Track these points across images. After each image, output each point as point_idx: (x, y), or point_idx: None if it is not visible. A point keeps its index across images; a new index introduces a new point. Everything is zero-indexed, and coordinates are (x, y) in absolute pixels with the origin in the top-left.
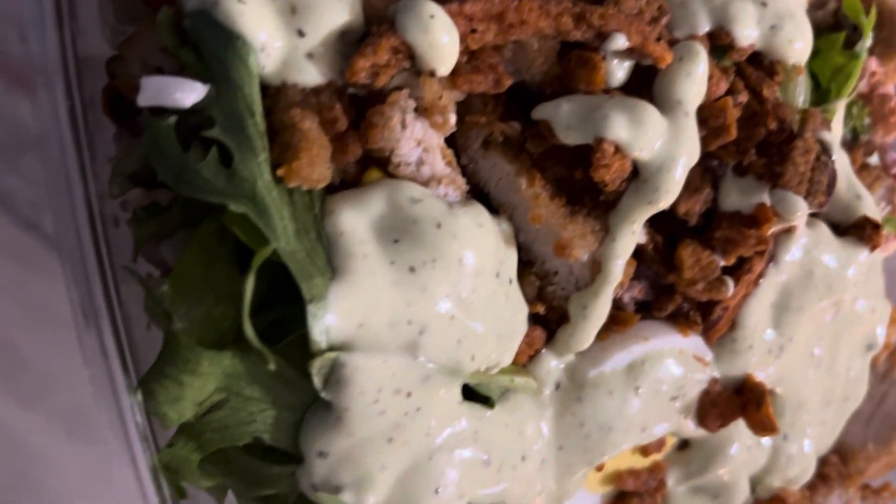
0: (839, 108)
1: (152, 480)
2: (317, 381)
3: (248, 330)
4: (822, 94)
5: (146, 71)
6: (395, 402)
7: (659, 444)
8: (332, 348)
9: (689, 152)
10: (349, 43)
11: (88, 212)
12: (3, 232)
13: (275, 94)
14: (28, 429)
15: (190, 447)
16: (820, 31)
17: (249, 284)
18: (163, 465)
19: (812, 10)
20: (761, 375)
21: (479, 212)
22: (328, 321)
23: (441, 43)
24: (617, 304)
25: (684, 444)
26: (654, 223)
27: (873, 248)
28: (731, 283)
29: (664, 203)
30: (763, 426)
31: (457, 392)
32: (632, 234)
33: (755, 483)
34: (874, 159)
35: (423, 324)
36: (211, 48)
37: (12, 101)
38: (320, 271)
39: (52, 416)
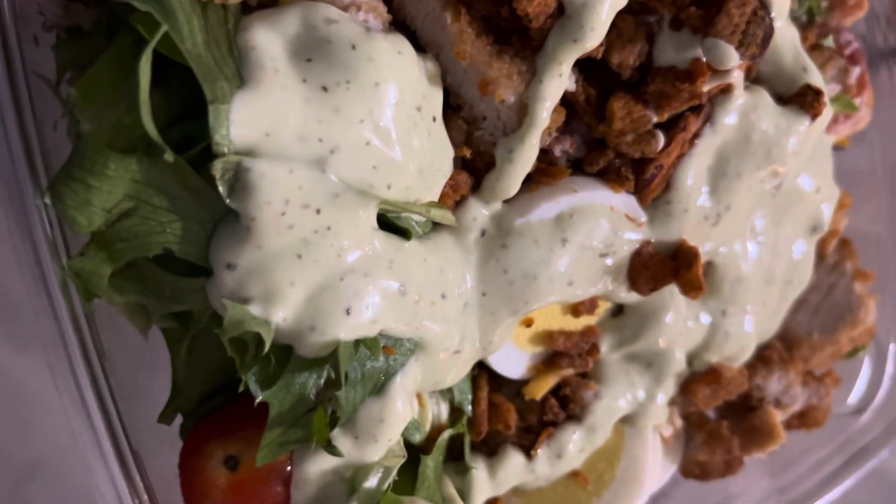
0: None
1: (62, 292)
2: (221, 186)
3: (146, 118)
4: None
5: None
6: (304, 217)
7: (591, 306)
8: (236, 153)
9: None
10: None
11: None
12: None
13: None
14: (23, 372)
15: (101, 256)
16: None
17: (145, 66)
18: (74, 273)
19: None
20: (699, 246)
21: (398, 40)
22: (232, 124)
23: None
24: (549, 160)
25: (619, 311)
26: (588, 76)
27: (814, 116)
28: (661, 136)
29: (590, 42)
30: (691, 284)
31: (371, 216)
32: (559, 77)
33: (692, 358)
34: (829, 42)
35: (335, 143)
36: None
37: None
38: (227, 79)
39: (43, 361)
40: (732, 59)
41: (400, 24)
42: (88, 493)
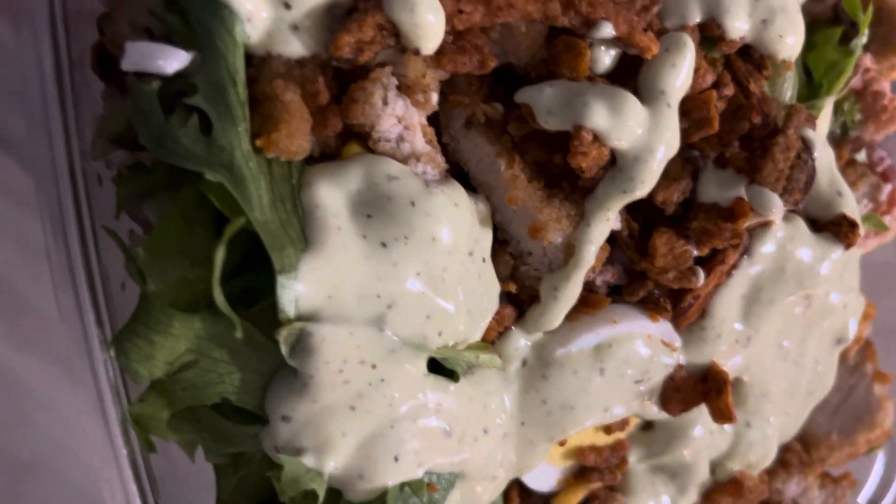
0: (827, 105)
1: (121, 433)
2: (284, 348)
3: (218, 297)
4: (813, 89)
5: (134, 32)
6: (360, 372)
7: (622, 423)
8: (300, 318)
9: (668, 144)
10: (335, 17)
11: (69, 169)
12: (3, 172)
13: (259, 63)
14: (24, 370)
15: (160, 403)
16: (818, 24)
17: (220, 254)
18: (133, 419)
19: (811, 2)
20: (728, 364)
21: (455, 191)
22: (297, 291)
23: (427, 22)
24: (589, 287)
25: (648, 425)
26: (631, 209)
27: (848, 246)
28: (702, 273)
29: (640, 193)
30: (722, 414)
31: (422, 365)
32: (606, 221)
33: (715, 465)
34: (862, 156)
35: (392, 298)
36: (197, 15)
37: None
38: (293, 242)
39: (49, 359)
40: (776, 206)
41: (453, 165)
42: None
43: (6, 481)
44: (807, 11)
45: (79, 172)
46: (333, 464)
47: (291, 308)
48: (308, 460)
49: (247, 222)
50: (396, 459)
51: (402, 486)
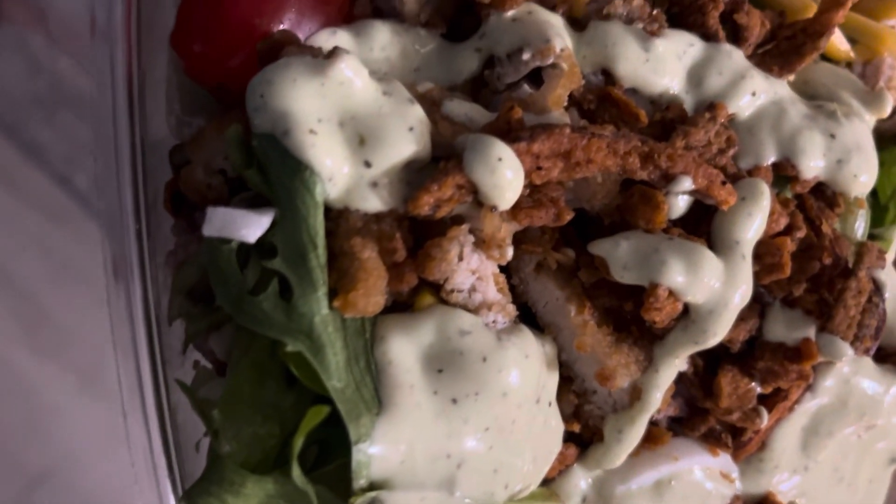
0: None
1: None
2: None
3: (296, 475)
4: (879, 211)
5: (209, 174)
6: None
7: None
8: (372, 486)
9: (742, 295)
10: (413, 170)
11: (132, 164)
12: (34, 185)
13: (336, 217)
14: (41, 380)
15: None
16: (885, 142)
17: (298, 442)
18: None
19: (880, 120)
20: (783, 486)
21: (525, 341)
22: (371, 458)
23: (506, 181)
24: (650, 422)
25: None
26: None
27: None
28: (766, 414)
29: (711, 343)
30: None
31: None
32: (674, 367)
33: None
34: None
35: (462, 457)
36: (278, 173)
37: (53, 55)
38: (367, 406)
39: (66, 370)
40: (847, 354)
41: (521, 303)
42: None
43: (18, 490)
44: (874, 129)
45: (153, 315)
46: None
47: (364, 477)
48: None
49: (325, 390)
50: None
51: None
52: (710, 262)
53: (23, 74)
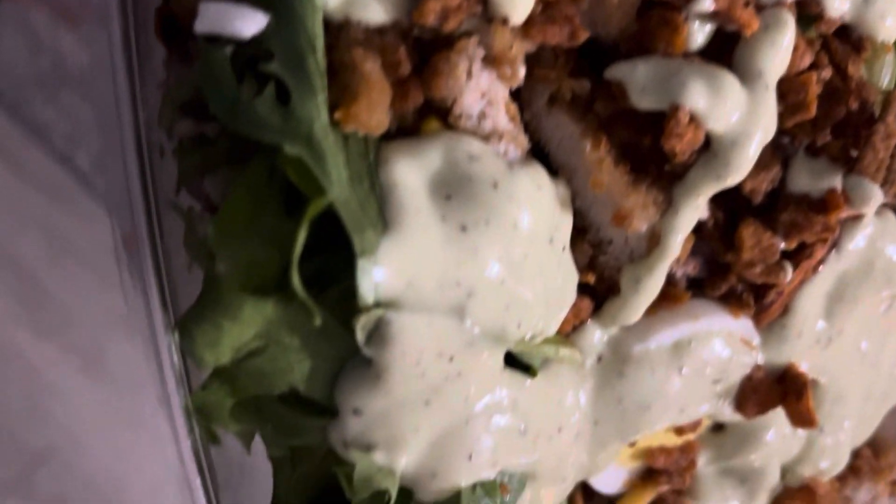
0: None
1: (185, 422)
2: (360, 336)
3: (296, 283)
4: None
5: None
6: (437, 365)
7: (694, 425)
8: (378, 305)
9: (765, 129)
10: None
11: (136, 139)
12: (36, 164)
13: (336, 30)
14: (43, 360)
15: (224, 391)
16: None
17: (301, 236)
18: (196, 407)
19: None
20: (804, 365)
21: (538, 173)
22: (377, 277)
23: None
24: (668, 280)
25: (719, 427)
26: (716, 199)
27: None
28: (790, 268)
29: (733, 180)
30: (802, 418)
31: (499, 359)
32: (695, 209)
33: (785, 471)
34: None
35: (472, 286)
36: None
37: (56, 33)
38: (372, 223)
39: (67, 350)
40: (875, 197)
41: (533, 144)
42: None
43: (19, 469)
44: None
45: (144, 144)
46: (406, 460)
47: (371, 294)
48: (379, 457)
49: (327, 200)
50: (470, 458)
51: (475, 486)
52: (734, 88)
53: (25, 52)
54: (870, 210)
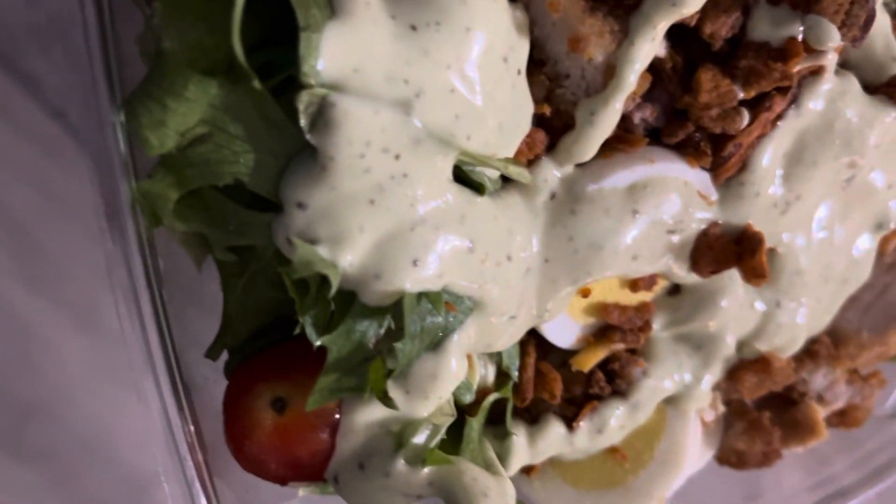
0: None
1: (130, 214)
2: (303, 119)
3: (236, 42)
4: None
5: None
6: (383, 161)
7: (649, 282)
8: (323, 85)
9: None
10: None
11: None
12: (29, 117)
13: None
14: (33, 313)
15: (169, 181)
16: None
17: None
18: (141, 194)
19: None
20: (764, 232)
21: None
22: (322, 56)
23: None
24: (626, 126)
25: (675, 290)
26: (676, 44)
27: None
28: (746, 114)
29: (688, 9)
30: (755, 272)
31: (448, 167)
32: (651, 41)
33: (741, 345)
34: None
35: (421, 86)
36: None
37: None
38: (318, 5)
39: (59, 304)
40: (833, 38)
41: None
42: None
43: (8, 423)
44: None
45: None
46: (350, 258)
47: (314, 73)
48: (322, 252)
49: None
50: (416, 263)
51: (420, 297)
52: None
53: (19, 4)
54: (829, 61)
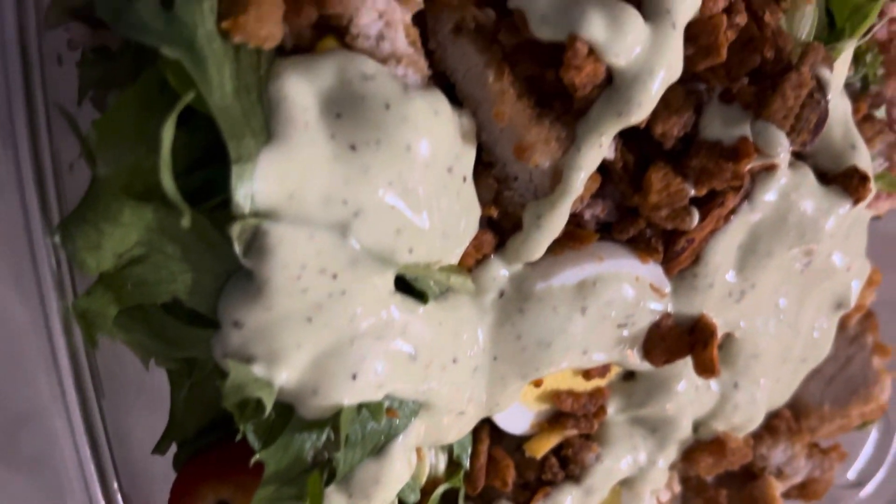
0: (847, 49)
1: (62, 329)
2: (237, 246)
3: (166, 180)
4: (835, 35)
5: None
6: (319, 281)
7: (603, 370)
8: (256, 214)
9: (669, 66)
10: None
11: (20, 39)
12: None
13: None
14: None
15: (108, 298)
16: None
17: (169, 129)
18: (78, 313)
19: None
20: (719, 320)
21: (436, 98)
22: (255, 185)
23: None
24: (577, 222)
25: (629, 374)
26: (628, 142)
27: (857, 201)
28: (696, 214)
29: (636, 117)
30: (705, 366)
31: (388, 281)
32: (598, 147)
33: (698, 424)
34: (881, 112)
35: (360, 206)
36: None
37: None
38: (254, 133)
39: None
40: (782, 145)
41: (439, 74)
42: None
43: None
44: None
45: (33, 47)
46: (286, 375)
47: (247, 202)
48: (258, 370)
49: (204, 106)
50: (354, 378)
51: (360, 407)
52: (636, 23)
53: None
54: (780, 159)
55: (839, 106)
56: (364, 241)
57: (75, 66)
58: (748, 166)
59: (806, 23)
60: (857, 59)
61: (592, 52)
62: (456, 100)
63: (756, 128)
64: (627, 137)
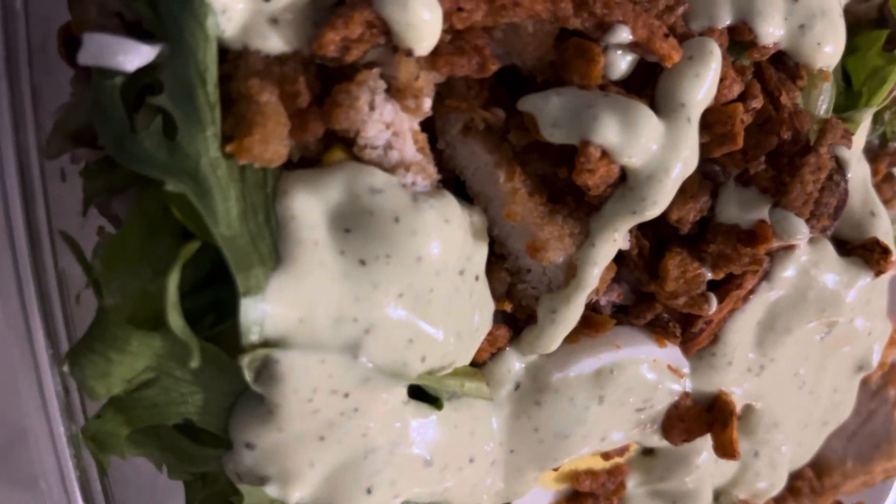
0: (866, 118)
1: (71, 454)
2: (247, 374)
3: (174, 321)
4: (852, 98)
5: (103, 16)
6: (331, 401)
7: (621, 449)
8: (265, 343)
9: (685, 162)
10: (320, 9)
11: (18, 164)
12: None
13: (235, 59)
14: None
15: (118, 421)
16: (860, 26)
17: (174, 278)
18: (88, 437)
19: (854, 2)
20: (737, 391)
21: (446, 205)
22: (264, 313)
23: (421, 20)
24: (592, 307)
25: (649, 450)
26: (643, 227)
27: (878, 274)
28: (714, 301)
29: (650, 214)
30: (725, 450)
31: (401, 393)
32: (612, 242)
33: (719, 493)
34: None
35: (371, 322)
36: (167, 4)
37: None
38: (263, 259)
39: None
40: (801, 232)
41: (449, 170)
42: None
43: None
44: (849, 11)
45: (34, 168)
46: (299, 494)
47: (256, 333)
48: (272, 490)
49: (210, 237)
50: (370, 491)
51: None
52: (650, 122)
53: None
54: (800, 241)
55: (858, 172)
56: (375, 358)
57: (79, 175)
58: (767, 249)
59: (824, 99)
60: (876, 117)
61: (605, 154)
62: (466, 195)
63: (775, 216)
64: (642, 223)
